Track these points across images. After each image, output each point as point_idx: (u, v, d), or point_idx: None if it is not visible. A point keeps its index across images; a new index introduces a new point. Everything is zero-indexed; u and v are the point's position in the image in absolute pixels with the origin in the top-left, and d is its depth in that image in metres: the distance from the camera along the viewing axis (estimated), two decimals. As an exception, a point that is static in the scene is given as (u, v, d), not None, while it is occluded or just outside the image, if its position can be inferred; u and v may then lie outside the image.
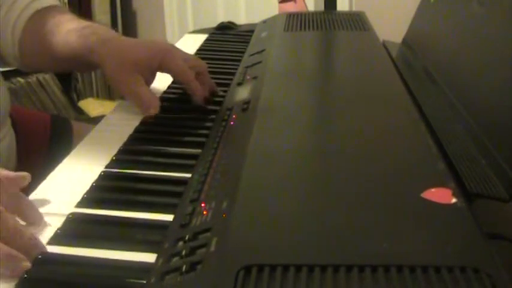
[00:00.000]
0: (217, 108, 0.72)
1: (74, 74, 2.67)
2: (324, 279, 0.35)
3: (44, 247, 0.46)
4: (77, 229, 0.48)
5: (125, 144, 0.64)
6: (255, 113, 0.62)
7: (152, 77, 0.78)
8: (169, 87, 0.83)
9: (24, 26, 0.82)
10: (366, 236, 0.39)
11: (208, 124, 0.68)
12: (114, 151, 0.62)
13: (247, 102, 0.66)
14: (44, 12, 0.83)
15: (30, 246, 0.45)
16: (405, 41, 0.90)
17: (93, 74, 2.70)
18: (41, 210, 0.51)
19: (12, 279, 0.42)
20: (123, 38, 0.80)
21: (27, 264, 0.43)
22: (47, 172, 0.58)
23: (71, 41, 0.77)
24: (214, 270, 0.37)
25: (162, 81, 0.83)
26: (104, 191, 0.55)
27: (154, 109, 0.72)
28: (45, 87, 2.34)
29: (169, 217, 0.49)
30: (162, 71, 0.77)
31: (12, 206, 0.48)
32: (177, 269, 0.39)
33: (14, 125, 0.87)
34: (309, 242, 0.39)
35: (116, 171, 0.58)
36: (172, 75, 0.79)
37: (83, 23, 0.81)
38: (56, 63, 0.84)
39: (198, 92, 0.75)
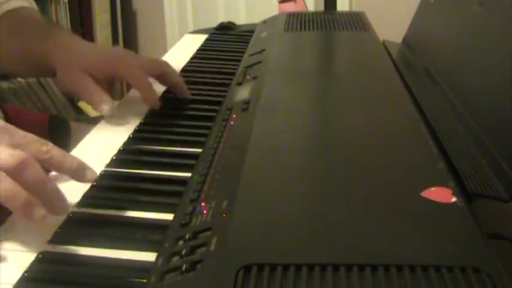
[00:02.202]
0: (217, 108, 0.72)
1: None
2: (324, 278, 0.35)
3: (65, 201, 0.48)
4: (77, 228, 0.48)
5: (125, 144, 0.64)
6: (255, 113, 0.62)
7: (105, 85, 0.76)
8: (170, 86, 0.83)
9: None
10: (366, 235, 0.39)
11: (208, 124, 0.68)
12: (114, 151, 0.62)
13: (247, 102, 0.66)
14: (11, 14, 0.82)
15: (52, 197, 0.47)
16: (405, 41, 0.90)
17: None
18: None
19: (12, 280, 0.42)
20: (83, 43, 0.79)
21: (44, 213, 0.45)
22: (46, 171, 0.58)
23: (31, 44, 0.77)
24: (214, 269, 0.37)
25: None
26: (104, 190, 0.55)
27: (105, 104, 0.71)
28: (45, 87, 2.34)
29: (169, 216, 0.49)
30: (118, 79, 0.78)
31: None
32: (177, 268, 0.40)
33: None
34: (309, 241, 0.39)
35: (116, 171, 0.58)
36: (127, 83, 0.78)
37: (46, 26, 0.81)
38: (19, 67, 0.84)
39: (148, 98, 0.74)
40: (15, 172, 0.46)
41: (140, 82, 0.74)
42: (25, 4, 0.85)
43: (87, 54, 0.75)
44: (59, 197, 0.49)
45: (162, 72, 0.78)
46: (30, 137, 0.51)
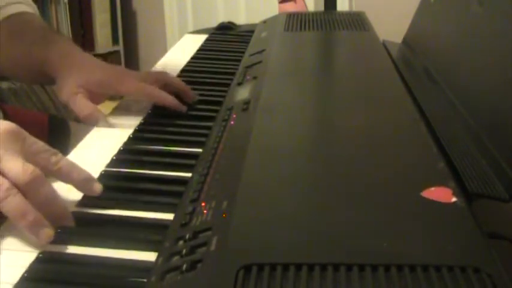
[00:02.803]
0: (217, 108, 0.72)
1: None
2: (324, 278, 0.35)
3: (71, 218, 0.49)
4: (77, 228, 0.48)
5: (125, 144, 0.64)
6: (255, 113, 0.62)
7: (102, 97, 0.77)
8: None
9: None
10: (366, 235, 0.39)
11: (208, 124, 0.68)
12: (114, 151, 0.62)
13: (247, 102, 0.66)
14: (12, 18, 0.82)
15: (60, 216, 0.48)
16: (405, 41, 0.90)
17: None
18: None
19: (12, 280, 0.42)
20: (84, 55, 0.79)
21: (51, 233, 0.46)
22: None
23: (31, 50, 0.78)
24: (214, 269, 0.37)
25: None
26: (104, 190, 0.55)
27: (90, 116, 0.71)
28: (45, 87, 2.33)
29: (169, 216, 0.49)
30: (120, 94, 0.77)
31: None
32: (178, 268, 0.40)
33: None
34: (309, 241, 0.39)
35: (116, 171, 0.58)
36: (134, 97, 0.77)
37: (48, 33, 0.81)
38: (19, 72, 0.84)
39: (168, 100, 0.74)
40: (27, 188, 0.46)
41: (147, 91, 0.74)
42: (26, 9, 0.85)
43: (86, 70, 0.75)
44: (66, 215, 0.49)
45: (165, 81, 0.78)
46: (41, 145, 0.51)
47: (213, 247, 0.40)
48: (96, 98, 0.75)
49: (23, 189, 0.46)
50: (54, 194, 0.49)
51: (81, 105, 0.72)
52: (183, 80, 0.81)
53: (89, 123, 0.71)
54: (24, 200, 0.46)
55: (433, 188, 0.44)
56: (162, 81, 0.77)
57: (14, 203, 0.45)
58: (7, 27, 0.81)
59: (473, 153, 0.52)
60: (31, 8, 0.86)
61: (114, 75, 0.75)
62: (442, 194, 0.43)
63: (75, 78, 0.73)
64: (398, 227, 0.41)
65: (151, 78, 0.77)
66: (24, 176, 0.46)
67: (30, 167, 0.47)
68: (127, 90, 0.75)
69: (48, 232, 0.46)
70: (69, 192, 0.54)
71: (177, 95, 0.77)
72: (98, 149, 0.64)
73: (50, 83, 0.78)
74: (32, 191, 0.47)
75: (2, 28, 0.80)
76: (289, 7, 1.39)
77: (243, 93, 0.71)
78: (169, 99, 0.74)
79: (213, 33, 1.15)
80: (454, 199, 0.43)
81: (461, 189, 0.46)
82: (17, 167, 0.47)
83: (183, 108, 0.74)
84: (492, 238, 0.42)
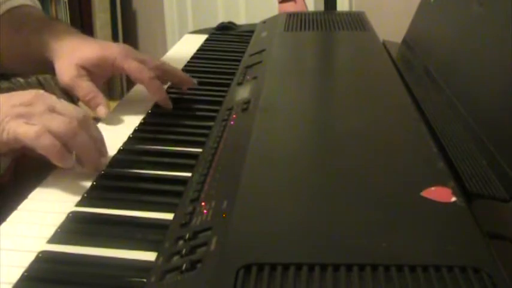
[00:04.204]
0: (217, 108, 0.72)
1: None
2: (324, 278, 0.35)
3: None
4: (77, 228, 0.48)
5: (125, 144, 0.64)
6: (255, 113, 0.62)
7: (103, 78, 0.77)
8: (169, 87, 0.83)
9: None
10: (366, 235, 0.39)
11: (208, 124, 0.68)
12: (115, 151, 0.62)
13: (247, 102, 0.66)
14: (12, 11, 0.83)
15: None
16: (405, 41, 0.90)
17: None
18: (41, 208, 0.51)
19: (12, 280, 0.42)
20: (81, 36, 0.79)
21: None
22: (46, 171, 0.58)
23: (30, 38, 0.78)
24: (214, 269, 0.37)
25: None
26: (104, 190, 0.55)
27: (100, 107, 0.72)
28: (45, 87, 2.33)
29: (169, 216, 0.49)
30: (117, 71, 0.77)
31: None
32: (177, 268, 0.40)
33: None
34: (309, 241, 0.39)
35: (116, 171, 0.58)
36: (128, 75, 0.76)
37: (46, 20, 0.82)
38: (19, 63, 0.84)
39: (158, 92, 0.74)
40: (82, 124, 0.56)
41: (143, 74, 0.74)
42: (26, 2, 0.86)
43: (84, 49, 0.75)
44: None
45: (164, 70, 0.78)
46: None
47: (213, 247, 0.40)
48: (96, 80, 0.75)
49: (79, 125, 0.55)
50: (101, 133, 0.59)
51: (84, 88, 0.72)
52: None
53: (91, 107, 0.72)
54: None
55: (432, 188, 0.44)
56: (162, 68, 0.77)
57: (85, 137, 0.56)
58: (8, 20, 0.81)
59: (473, 153, 0.52)
60: (31, 1, 0.87)
61: (117, 50, 0.75)
62: (441, 194, 0.43)
63: (75, 59, 0.73)
64: (398, 227, 0.41)
65: (151, 64, 0.76)
66: (79, 114, 0.56)
67: (81, 109, 0.57)
68: (128, 68, 0.74)
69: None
70: (69, 191, 0.54)
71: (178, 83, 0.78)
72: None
73: (50, 71, 0.78)
74: (86, 127, 0.57)
75: (3, 21, 0.81)
76: (289, 7, 1.39)
77: (243, 93, 0.71)
78: (161, 94, 0.74)
79: (213, 33, 1.15)
80: (453, 199, 0.43)
81: (461, 189, 0.45)
82: (71, 108, 0.57)
83: (170, 106, 0.74)
84: (492, 238, 0.42)
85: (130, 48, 0.78)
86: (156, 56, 0.88)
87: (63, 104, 0.58)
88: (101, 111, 0.72)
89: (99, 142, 0.59)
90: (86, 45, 0.76)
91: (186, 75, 0.79)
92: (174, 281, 0.39)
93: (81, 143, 0.56)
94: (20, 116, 0.55)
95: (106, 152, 0.60)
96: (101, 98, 0.72)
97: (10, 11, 0.83)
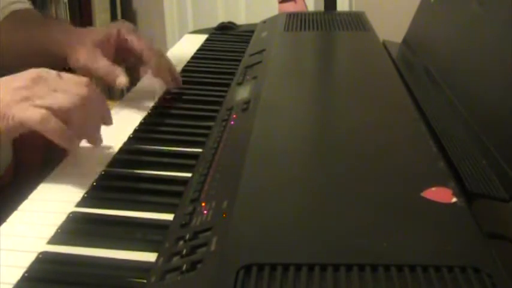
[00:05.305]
0: (217, 108, 0.72)
1: (74, 74, 2.67)
2: (324, 278, 0.35)
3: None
4: (77, 228, 0.48)
5: (125, 144, 0.64)
6: (255, 113, 0.62)
7: (112, 53, 0.80)
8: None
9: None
10: (366, 235, 0.39)
11: (208, 124, 0.68)
12: (115, 151, 0.62)
13: (247, 102, 0.66)
14: (15, 13, 0.86)
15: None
16: (405, 41, 0.90)
17: (93, 75, 2.70)
18: (42, 208, 0.51)
19: (12, 280, 0.42)
20: (83, 27, 0.85)
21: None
22: (46, 171, 0.58)
23: (35, 33, 0.82)
24: (214, 269, 0.37)
25: (162, 82, 0.83)
26: (105, 190, 0.55)
27: (120, 76, 0.74)
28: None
29: (169, 216, 0.49)
30: (122, 44, 0.80)
31: None
32: (178, 268, 0.40)
33: None
34: (309, 241, 0.39)
35: (116, 171, 0.58)
36: (131, 47, 0.80)
37: (48, 19, 0.88)
38: (23, 58, 0.86)
39: (157, 68, 0.78)
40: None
41: (142, 45, 0.78)
42: (25, 6, 0.89)
43: (90, 33, 0.80)
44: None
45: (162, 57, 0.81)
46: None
47: (213, 247, 0.40)
48: (107, 54, 0.78)
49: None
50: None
51: (100, 67, 0.75)
52: (183, 80, 0.81)
53: (110, 82, 0.74)
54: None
55: (433, 188, 0.44)
56: (159, 54, 0.80)
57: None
58: (11, 20, 0.85)
59: (473, 153, 0.52)
60: (29, 6, 0.90)
61: (120, 25, 0.80)
62: (442, 194, 0.43)
63: (86, 42, 0.77)
64: (399, 227, 0.41)
65: (151, 46, 0.80)
66: (81, 89, 0.57)
67: (82, 79, 0.58)
68: (131, 40, 0.79)
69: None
70: (70, 192, 0.54)
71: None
72: (98, 149, 0.64)
73: (51, 64, 0.82)
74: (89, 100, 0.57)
75: (6, 23, 0.84)
76: (289, 7, 1.39)
77: (243, 93, 0.71)
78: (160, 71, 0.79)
79: (213, 33, 1.15)
80: (454, 199, 0.43)
81: (461, 189, 0.45)
82: (71, 83, 0.57)
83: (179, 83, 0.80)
84: (492, 238, 0.42)
85: (131, 26, 0.83)
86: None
87: (64, 80, 0.58)
88: (121, 81, 0.74)
89: (104, 112, 0.61)
90: (91, 30, 0.82)
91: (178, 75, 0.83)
92: (174, 282, 0.39)
93: (84, 118, 0.57)
94: (23, 99, 0.55)
95: (111, 121, 0.63)
96: (118, 70, 0.75)
97: (16, 13, 0.86)
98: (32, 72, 0.58)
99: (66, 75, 0.59)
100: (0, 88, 0.55)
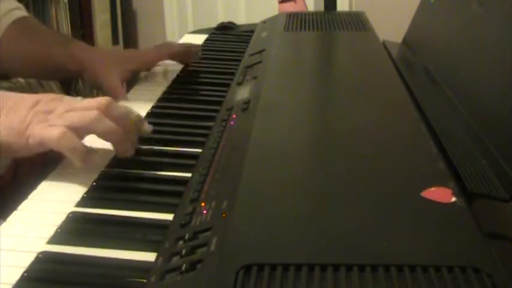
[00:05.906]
0: (217, 108, 0.72)
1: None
2: (324, 278, 0.35)
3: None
4: (77, 228, 0.48)
5: (125, 143, 0.64)
6: (255, 113, 0.62)
7: (127, 76, 0.85)
8: (169, 87, 0.83)
9: (4, 31, 0.87)
10: (366, 235, 0.39)
11: (208, 124, 0.68)
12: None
13: (247, 102, 0.66)
14: (23, 21, 0.89)
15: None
16: (405, 41, 0.90)
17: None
18: (41, 208, 0.51)
19: (12, 280, 0.42)
20: (101, 48, 0.92)
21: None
22: (46, 171, 0.58)
23: (52, 50, 0.86)
24: (214, 269, 0.37)
25: (162, 82, 0.83)
26: (104, 190, 0.55)
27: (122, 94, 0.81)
28: (45, 87, 2.34)
29: (169, 216, 0.49)
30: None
31: None
32: (177, 268, 0.40)
33: None
34: (309, 241, 0.39)
35: (116, 171, 0.58)
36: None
37: (62, 35, 0.95)
38: (38, 71, 0.91)
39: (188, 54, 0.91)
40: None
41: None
42: (24, 13, 0.91)
43: (112, 52, 0.87)
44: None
45: (170, 53, 0.90)
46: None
47: (213, 247, 0.40)
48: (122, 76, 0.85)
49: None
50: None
51: (115, 85, 0.81)
52: (183, 80, 0.82)
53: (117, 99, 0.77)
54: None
55: (433, 188, 0.44)
56: (167, 54, 0.89)
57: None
58: (19, 28, 0.87)
59: (473, 153, 0.52)
60: (26, 13, 0.93)
61: (137, 50, 0.94)
62: (441, 194, 0.43)
63: (108, 59, 0.84)
64: (398, 227, 0.41)
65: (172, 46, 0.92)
66: (98, 103, 0.57)
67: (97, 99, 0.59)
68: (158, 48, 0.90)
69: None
70: (69, 191, 0.54)
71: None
72: (97, 149, 0.64)
73: (66, 77, 0.88)
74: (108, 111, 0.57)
75: (12, 31, 0.87)
76: (289, 7, 1.39)
77: (243, 93, 0.71)
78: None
79: (213, 33, 1.15)
80: (453, 199, 0.43)
81: (461, 189, 0.45)
82: (85, 102, 0.58)
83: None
84: (492, 238, 0.42)
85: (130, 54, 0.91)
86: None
87: (81, 101, 0.59)
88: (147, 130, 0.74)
89: (124, 121, 0.59)
90: (110, 51, 0.94)
91: (188, 47, 0.93)
92: (174, 282, 0.39)
93: (107, 129, 0.57)
94: (43, 120, 0.56)
95: (145, 129, 0.63)
96: (123, 94, 0.81)
97: (21, 20, 0.88)
98: (49, 96, 0.59)
99: (79, 98, 0.60)
100: (19, 107, 0.57)
